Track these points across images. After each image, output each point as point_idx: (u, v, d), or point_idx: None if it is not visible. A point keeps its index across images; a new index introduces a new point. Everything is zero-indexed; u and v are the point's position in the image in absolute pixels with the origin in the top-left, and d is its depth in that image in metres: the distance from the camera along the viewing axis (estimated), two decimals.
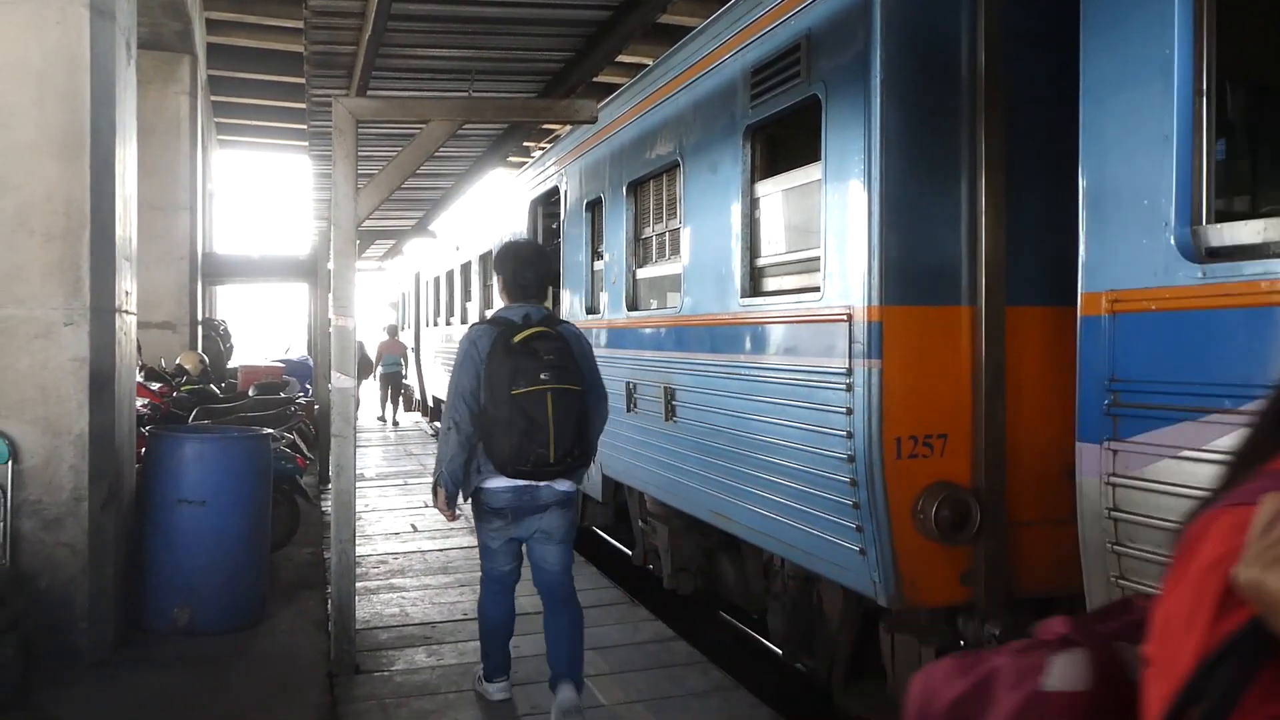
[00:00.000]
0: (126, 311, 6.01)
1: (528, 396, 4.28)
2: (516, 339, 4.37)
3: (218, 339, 16.95)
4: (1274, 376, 2.79)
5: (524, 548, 4.72)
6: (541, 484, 4.49)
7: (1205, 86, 3.09)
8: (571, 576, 4.72)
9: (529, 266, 4.69)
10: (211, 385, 11.95)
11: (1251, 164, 4.07)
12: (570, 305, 8.86)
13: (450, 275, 15.78)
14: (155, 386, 10.11)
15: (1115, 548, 3.31)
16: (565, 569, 4.69)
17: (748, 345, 5.41)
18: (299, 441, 10.14)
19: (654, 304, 7.09)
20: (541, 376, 4.31)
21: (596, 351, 5.15)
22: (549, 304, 5.04)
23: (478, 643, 5.09)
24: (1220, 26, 3.11)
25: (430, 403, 18.99)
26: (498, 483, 4.49)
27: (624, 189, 7.33)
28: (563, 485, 4.57)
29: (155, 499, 6.05)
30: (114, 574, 5.58)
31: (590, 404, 4.59)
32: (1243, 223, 3.02)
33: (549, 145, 10.84)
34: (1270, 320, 2.81)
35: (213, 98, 19.28)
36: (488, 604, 4.83)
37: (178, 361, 12.43)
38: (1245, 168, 4.06)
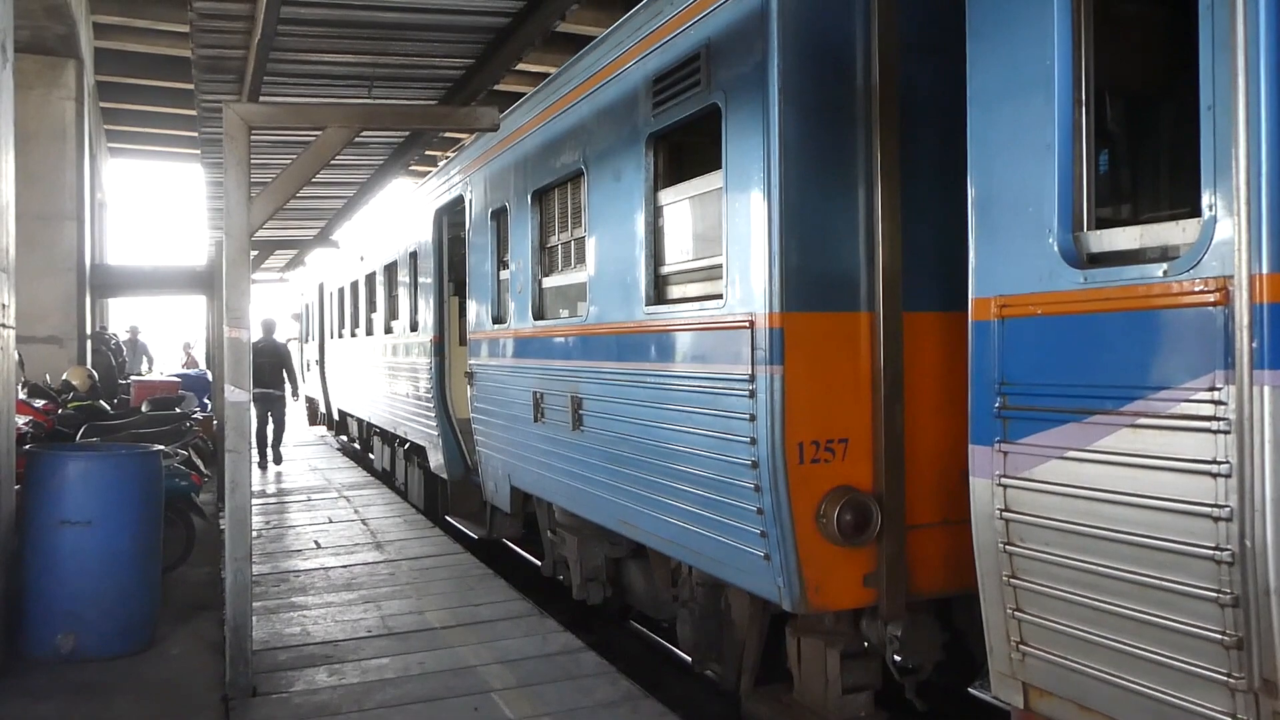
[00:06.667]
0: (3, 325, 5.72)
1: (259, 365, 13.93)
2: (257, 345, 13.17)
3: (109, 353, 16.30)
4: (1153, 378, 2.89)
5: (269, 415, 14.87)
6: (269, 391, 14.57)
7: (1084, 97, 3.19)
8: (284, 422, 15.25)
9: (263, 327, 15.10)
10: (101, 401, 11.48)
11: (1133, 172, 4.21)
12: (477, 316, 8.75)
13: (355, 286, 15.44)
14: (39, 404, 9.67)
15: (1007, 548, 3.38)
16: (281, 418, 15.11)
17: (653, 353, 5.40)
18: (195, 458, 9.81)
19: (562, 313, 7.04)
20: (264, 355, 14.57)
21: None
22: (275, 336, 15.30)
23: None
24: (1099, 39, 3.22)
25: (336, 416, 18.53)
26: (256, 389, 11.71)
27: (529, 197, 7.27)
28: (276, 391, 14.79)
29: (36, 520, 5.76)
30: None
31: (285, 369, 15.16)
32: (1120, 229, 3.12)
33: (454, 154, 10.70)
34: (1147, 323, 2.91)
35: (102, 104, 18.57)
36: (256, 433, 14.39)
37: (64, 377, 11.90)
38: (1127, 176, 4.20)
